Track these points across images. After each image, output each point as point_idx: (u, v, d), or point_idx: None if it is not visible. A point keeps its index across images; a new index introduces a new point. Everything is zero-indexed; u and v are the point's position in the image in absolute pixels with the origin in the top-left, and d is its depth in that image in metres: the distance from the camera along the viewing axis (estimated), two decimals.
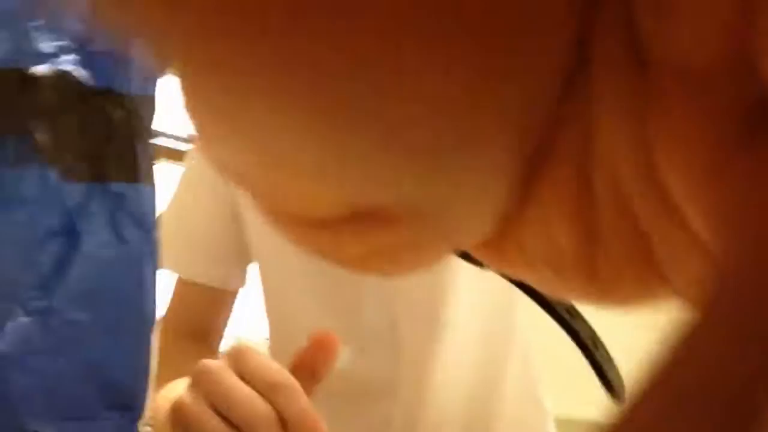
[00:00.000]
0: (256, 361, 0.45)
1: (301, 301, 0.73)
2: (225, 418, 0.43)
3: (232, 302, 0.78)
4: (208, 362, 0.45)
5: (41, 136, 0.34)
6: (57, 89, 0.35)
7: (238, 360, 0.45)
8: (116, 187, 0.36)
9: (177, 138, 2.20)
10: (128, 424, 0.36)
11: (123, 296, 0.36)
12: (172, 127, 2.19)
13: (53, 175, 0.34)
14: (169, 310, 0.74)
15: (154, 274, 0.37)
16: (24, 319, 0.32)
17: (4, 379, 0.31)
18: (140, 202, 0.37)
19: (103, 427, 0.34)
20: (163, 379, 0.62)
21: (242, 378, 0.44)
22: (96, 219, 0.35)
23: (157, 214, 0.38)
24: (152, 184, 0.38)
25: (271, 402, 0.43)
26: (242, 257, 0.75)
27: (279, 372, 0.44)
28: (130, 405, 0.36)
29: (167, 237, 0.70)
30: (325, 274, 0.70)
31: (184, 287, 0.76)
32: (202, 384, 0.44)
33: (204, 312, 0.77)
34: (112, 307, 0.35)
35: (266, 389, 0.43)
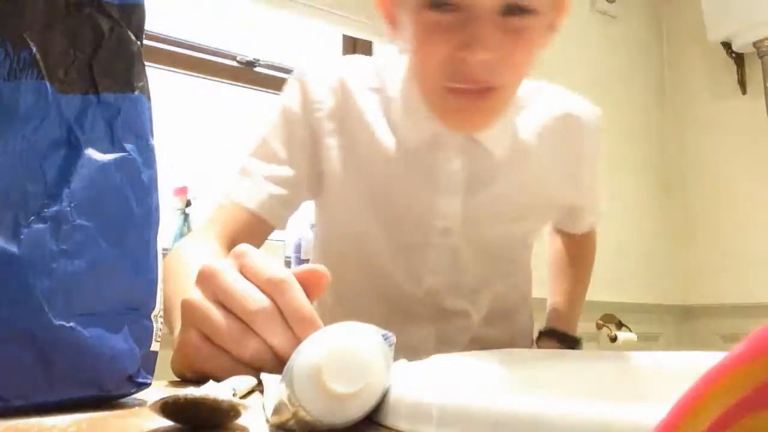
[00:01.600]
0: (257, 260, 0.48)
1: (361, 227, 0.95)
2: (229, 312, 0.46)
3: (266, 238, 0.93)
4: (212, 262, 0.49)
5: (33, 48, 0.35)
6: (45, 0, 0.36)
7: (241, 259, 0.48)
8: (110, 97, 0.37)
9: (175, 43, 2.20)
10: (141, 318, 0.37)
11: (124, 203, 0.37)
12: (170, 31, 2.19)
13: (50, 87, 0.35)
14: (213, 221, 0.89)
15: (154, 181, 0.38)
16: (38, 226, 0.34)
17: (28, 282, 0.33)
18: (135, 112, 0.38)
19: (119, 320, 0.37)
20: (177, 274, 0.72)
21: (245, 276, 0.46)
22: (94, 130, 0.37)
23: (153, 121, 0.40)
24: (145, 93, 0.39)
25: (270, 296, 0.45)
26: (294, 201, 0.94)
27: (278, 269, 0.47)
28: (140, 300, 0.38)
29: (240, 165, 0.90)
30: (385, 208, 0.93)
31: (236, 209, 0.90)
32: (207, 281, 0.48)
33: (246, 233, 0.89)
34: (115, 213, 0.37)
35: (265, 284, 0.46)
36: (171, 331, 0.63)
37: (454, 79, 0.77)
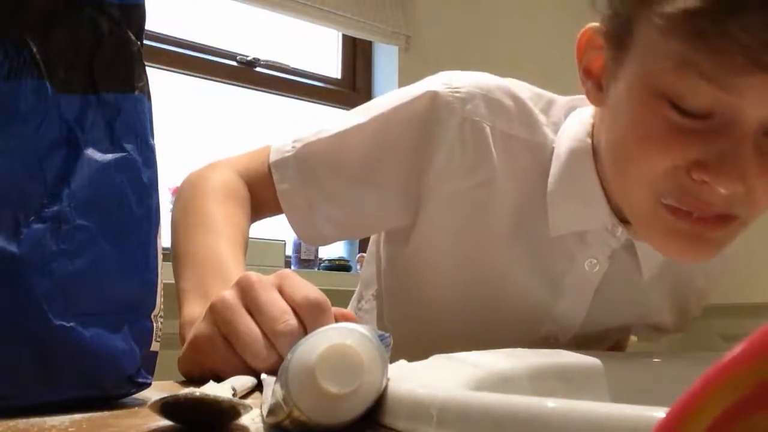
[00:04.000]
0: (298, 282, 0.49)
1: (447, 251, 0.78)
2: (257, 323, 0.46)
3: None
4: (253, 274, 0.49)
5: (33, 48, 0.35)
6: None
7: (282, 279, 0.49)
8: (110, 97, 0.37)
9: (175, 43, 2.20)
10: (141, 318, 0.38)
11: (124, 203, 0.37)
12: (171, 31, 2.19)
13: (50, 87, 0.35)
14: (249, 174, 0.79)
15: (154, 181, 0.39)
16: (38, 226, 0.34)
17: (28, 282, 0.33)
18: (135, 112, 0.38)
19: (119, 320, 0.37)
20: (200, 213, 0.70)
21: (282, 295, 0.48)
22: (94, 130, 0.37)
23: (153, 121, 0.40)
24: (145, 93, 0.39)
25: (301, 317, 0.46)
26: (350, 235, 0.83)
27: (312, 292, 0.48)
28: (141, 300, 0.38)
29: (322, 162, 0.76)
30: (483, 292, 0.77)
31: (274, 195, 0.78)
32: (243, 290, 0.48)
33: (274, 206, 0.80)
34: (115, 213, 0.37)
35: (299, 304, 0.47)
36: (177, 281, 0.64)
37: (680, 198, 0.60)
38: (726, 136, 0.56)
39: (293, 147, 0.78)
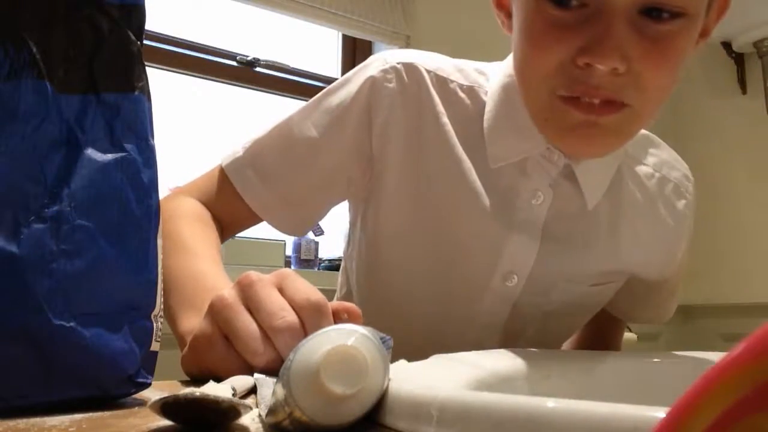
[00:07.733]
0: (298, 282, 0.49)
1: (402, 222, 0.80)
2: (255, 321, 0.46)
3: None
4: (253, 273, 0.49)
5: (33, 48, 0.35)
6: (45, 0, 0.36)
7: (282, 278, 0.49)
8: (110, 97, 0.37)
9: (175, 43, 2.20)
10: (141, 318, 0.38)
11: (124, 203, 0.37)
12: (170, 31, 2.19)
13: (50, 87, 0.35)
14: (210, 193, 0.80)
15: (154, 181, 0.39)
16: (38, 226, 0.34)
17: (27, 282, 0.33)
18: (135, 112, 0.38)
19: (119, 320, 0.37)
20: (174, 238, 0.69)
21: (282, 294, 0.48)
22: (94, 129, 0.37)
23: (153, 121, 0.39)
24: (145, 93, 0.39)
25: (300, 317, 0.46)
26: (319, 211, 0.84)
27: (312, 292, 0.48)
28: (140, 300, 0.38)
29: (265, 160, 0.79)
30: (440, 231, 0.80)
31: (241, 203, 0.79)
32: (243, 289, 0.48)
33: (239, 225, 0.82)
34: (115, 213, 0.37)
35: (299, 304, 0.47)
36: (167, 309, 0.63)
37: (571, 87, 0.64)
38: (600, 20, 0.61)
39: (243, 149, 0.80)
